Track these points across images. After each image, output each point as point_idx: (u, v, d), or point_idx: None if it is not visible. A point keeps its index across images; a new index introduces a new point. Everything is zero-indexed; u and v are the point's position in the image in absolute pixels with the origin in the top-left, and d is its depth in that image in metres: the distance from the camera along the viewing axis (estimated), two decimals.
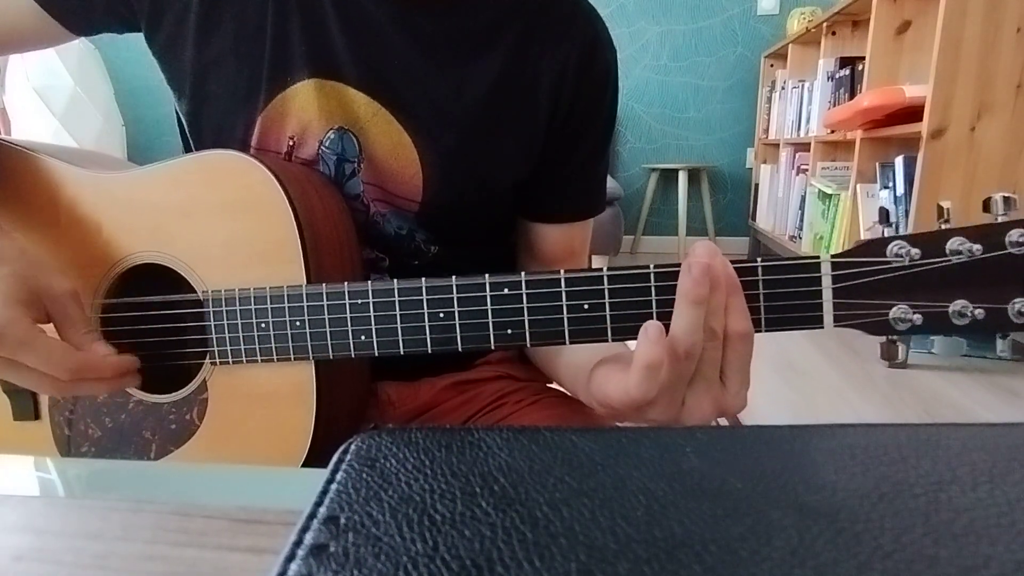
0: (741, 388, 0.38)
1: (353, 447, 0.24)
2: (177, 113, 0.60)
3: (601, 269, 0.40)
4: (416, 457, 0.23)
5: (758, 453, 0.23)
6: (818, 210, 2.56)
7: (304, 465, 0.48)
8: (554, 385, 0.68)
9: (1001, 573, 0.16)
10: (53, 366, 0.42)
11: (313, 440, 0.48)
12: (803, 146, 2.92)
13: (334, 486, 0.21)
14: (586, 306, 0.40)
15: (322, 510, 0.20)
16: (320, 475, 0.22)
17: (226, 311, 0.48)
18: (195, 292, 0.49)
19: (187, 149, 0.62)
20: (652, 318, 0.40)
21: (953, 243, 0.36)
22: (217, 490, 0.30)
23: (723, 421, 1.53)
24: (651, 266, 0.39)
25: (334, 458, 0.23)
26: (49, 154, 0.54)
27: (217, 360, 0.49)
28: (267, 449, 0.49)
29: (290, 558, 0.18)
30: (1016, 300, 0.35)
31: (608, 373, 0.42)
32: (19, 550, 0.24)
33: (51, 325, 0.44)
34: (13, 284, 0.42)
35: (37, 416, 0.54)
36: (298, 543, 0.18)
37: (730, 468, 0.22)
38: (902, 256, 0.37)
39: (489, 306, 0.42)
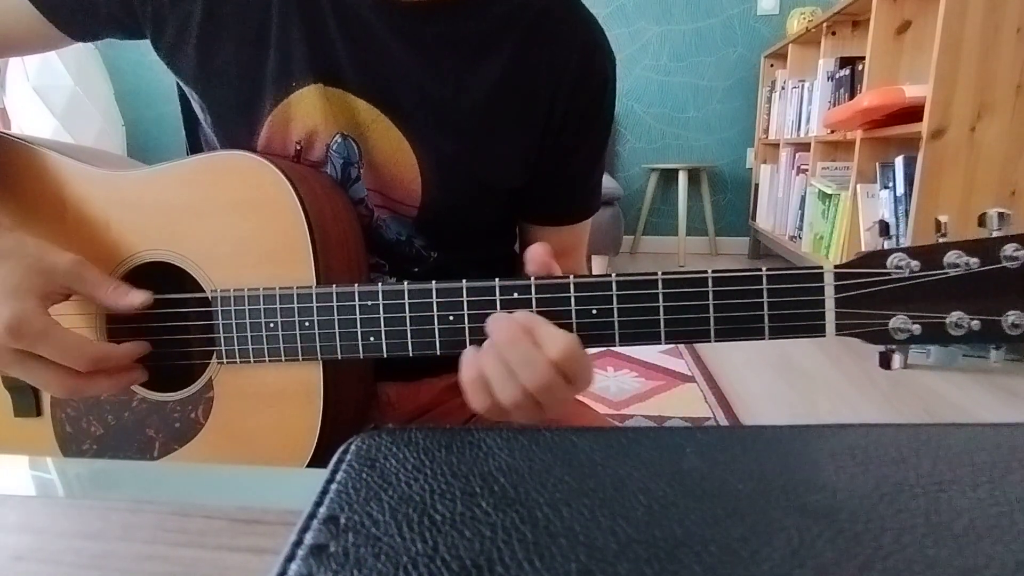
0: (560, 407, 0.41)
1: (353, 447, 0.24)
2: (183, 115, 0.60)
3: (610, 275, 0.41)
4: (416, 457, 0.23)
5: (758, 453, 0.23)
6: (818, 210, 2.56)
7: (308, 466, 0.48)
8: None
9: (1001, 573, 0.16)
10: (71, 357, 0.43)
11: (319, 440, 0.48)
12: (803, 146, 2.92)
13: (334, 486, 0.21)
14: (594, 311, 0.41)
15: (322, 510, 0.20)
16: (320, 475, 0.22)
17: (235, 310, 0.48)
18: (203, 291, 0.49)
19: (192, 151, 0.63)
20: (659, 323, 0.40)
21: (951, 256, 0.37)
22: (217, 490, 0.30)
23: (723, 420, 1.53)
24: (659, 272, 0.40)
25: (334, 458, 0.23)
26: (59, 151, 0.54)
27: (224, 359, 0.49)
28: (272, 449, 0.49)
29: (290, 558, 0.18)
30: (1010, 313, 0.37)
31: None
32: (19, 550, 0.24)
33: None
34: (23, 275, 0.43)
35: (39, 413, 0.54)
36: (298, 543, 0.18)
37: (730, 468, 0.22)
38: (902, 268, 0.38)
39: (498, 309, 0.42)
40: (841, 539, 0.17)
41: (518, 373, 0.39)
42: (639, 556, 0.17)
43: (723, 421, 1.52)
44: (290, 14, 0.52)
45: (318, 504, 0.20)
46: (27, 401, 0.54)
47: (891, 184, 1.89)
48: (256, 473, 0.32)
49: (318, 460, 0.48)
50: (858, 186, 2.12)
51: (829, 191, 2.42)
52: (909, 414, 1.53)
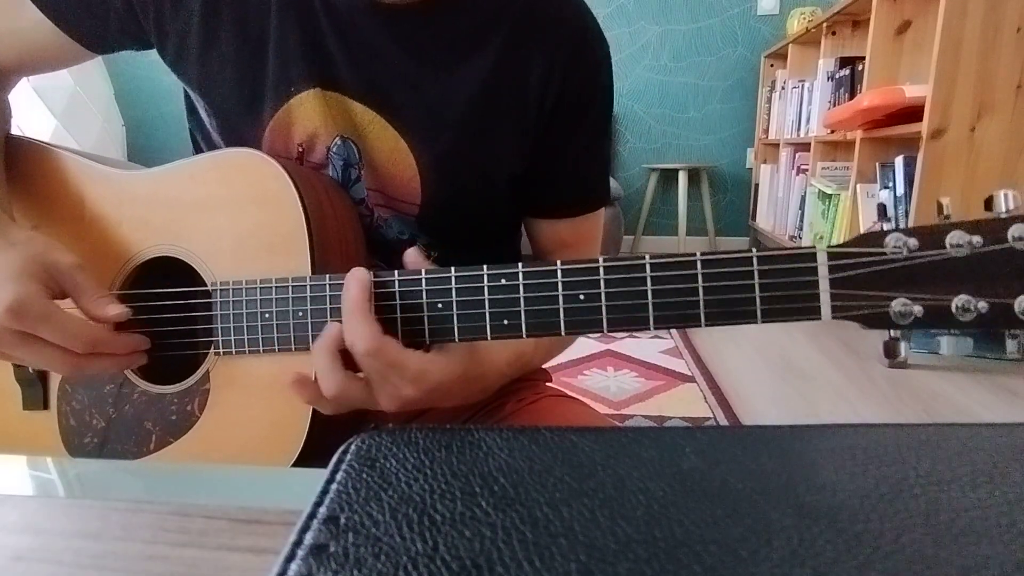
0: (384, 395, 0.43)
1: (353, 447, 0.24)
2: (188, 118, 0.62)
3: (597, 260, 0.40)
4: (416, 457, 0.23)
5: (758, 453, 0.23)
6: (818, 210, 2.56)
7: (300, 461, 0.48)
8: (554, 385, 0.68)
9: (1001, 573, 0.16)
10: (70, 338, 0.44)
11: (309, 433, 0.48)
12: (803, 146, 2.92)
13: (334, 486, 0.21)
14: (582, 296, 0.41)
15: (322, 510, 0.20)
16: (320, 475, 0.22)
17: (232, 301, 0.49)
18: (205, 284, 0.50)
19: (198, 152, 0.64)
20: (648, 308, 0.40)
21: (953, 237, 0.35)
22: (217, 490, 0.30)
23: (723, 420, 1.53)
24: (647, 256, 0.39)
25: (334, 458, 0.23)
26: (72, 152, 0.56)
27: (220, 350, 0.49)
28: (263, 441, 0.49)
29: (290, 558, 0.18)
30: (1022, 296, 0.34)
31: None
32: (19, 550, 0.24)
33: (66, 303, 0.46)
34: (27, 263, 0.45)
35: (46, 406, 0.55)
36: (298, 543, 0.18)
37: (730, 468, 0.22)
38: (900, 248, 0.36)
39: (487, 296, 0.42)
40: (841, 539, 0.17)
41: (323, 380, 0.42)
42: (639, 556, 0.17)
43: (723, 421, 1.52)
44: (287, 20, 0.53)
45: (318, 504, 0.20)
46: (36, 394, 0.55)
47: (891, 184, 1.89)
48: (256, 473, 0.32)
49: (308, 453, 0.49)
50: (858, 186, 2.12)
51: (829, 191, 2.42)
52: (909, 414, 1.53)
